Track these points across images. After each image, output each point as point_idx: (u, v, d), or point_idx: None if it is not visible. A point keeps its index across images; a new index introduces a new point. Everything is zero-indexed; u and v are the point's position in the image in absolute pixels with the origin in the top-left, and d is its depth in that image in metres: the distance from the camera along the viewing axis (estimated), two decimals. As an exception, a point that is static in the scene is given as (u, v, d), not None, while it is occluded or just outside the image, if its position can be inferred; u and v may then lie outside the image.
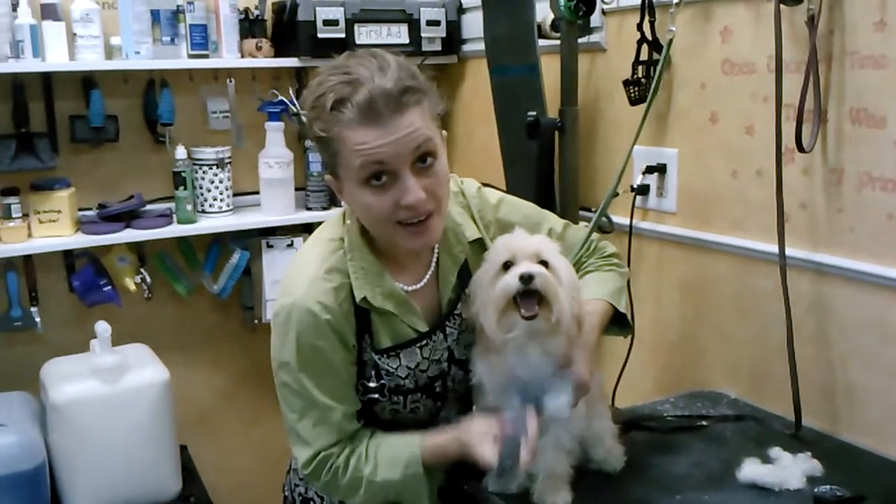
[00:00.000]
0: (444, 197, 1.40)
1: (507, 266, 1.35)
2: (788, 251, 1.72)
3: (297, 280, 1.42)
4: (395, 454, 1.43)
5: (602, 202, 1.88)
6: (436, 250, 1.52)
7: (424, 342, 1.48)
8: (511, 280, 1.32)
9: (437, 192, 1.36)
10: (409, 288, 1.48)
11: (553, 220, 1.66)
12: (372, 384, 1.46)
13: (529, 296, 1.32)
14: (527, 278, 1.31)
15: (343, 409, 1.43)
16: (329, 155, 1.36)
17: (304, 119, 1.39)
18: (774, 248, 1.73)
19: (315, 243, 1.48)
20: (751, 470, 1.52)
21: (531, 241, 1.38)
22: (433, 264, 1.51)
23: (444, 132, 1.39)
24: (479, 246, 1.54)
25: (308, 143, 2.79)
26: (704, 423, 1.78)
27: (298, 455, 1.46)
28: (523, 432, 1.29)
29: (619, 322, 1.62)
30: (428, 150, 1.33)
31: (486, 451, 1.32)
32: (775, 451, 1.58)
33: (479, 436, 1.35)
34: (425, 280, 1.50)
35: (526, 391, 1.35)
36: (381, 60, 1.32)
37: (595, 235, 1.70)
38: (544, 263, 1.34)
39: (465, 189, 1.59)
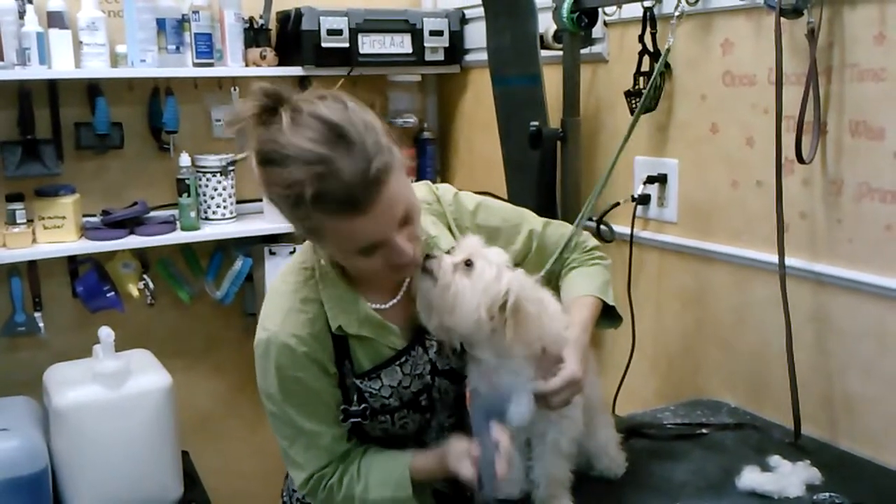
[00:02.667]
0: (422, 228, 1.41)
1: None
2: (788, 261, 1.74)
3: (273, 313, 1.43)
4: (385, 474, 1.44)
5: (586, 203, 1.86)
6: None
7: (404, 359, 1.47)
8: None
9: (417, 234, 1.36)
10: (385, 306, 1.47)
11: (533, 220, 1.64)
12: (355, 408, 1.45)
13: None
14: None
15: (332, 433, 1.45)
16: (312, 235, 1.35)
17: (273, 201, 1.31)
18: (774, 258, 1.75)
19: (288, 273, 1.47)
20: (750, 478, 1.53)
21: (479, 244, 1.38)
22: (406, 280, 1.49)
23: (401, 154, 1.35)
24: None
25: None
26: (704, 431, 1.79)
27: (294, 477, 1.49)
28: (494, 447, 1.30)
29: (607, 314, 1.61)
30: (409, 213, 1.31)
31: (465, 470, 1.33)
32: (775, 460, 1.59)
33: (457, 456, 1.36)
34: (400, 295, 1.49)
35: (489, 406, 1.36)
36: (341, 133, 1.22)
37: (574, 230, 1.67)
38: (469, 263, 1.35)
39: (441, 196, 1.56)
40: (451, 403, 1.54)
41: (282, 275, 1.48)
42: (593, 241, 1.70)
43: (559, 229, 1.66)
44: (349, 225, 1.25)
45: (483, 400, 1.37)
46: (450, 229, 1.54)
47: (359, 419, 1.46)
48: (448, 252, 1.40)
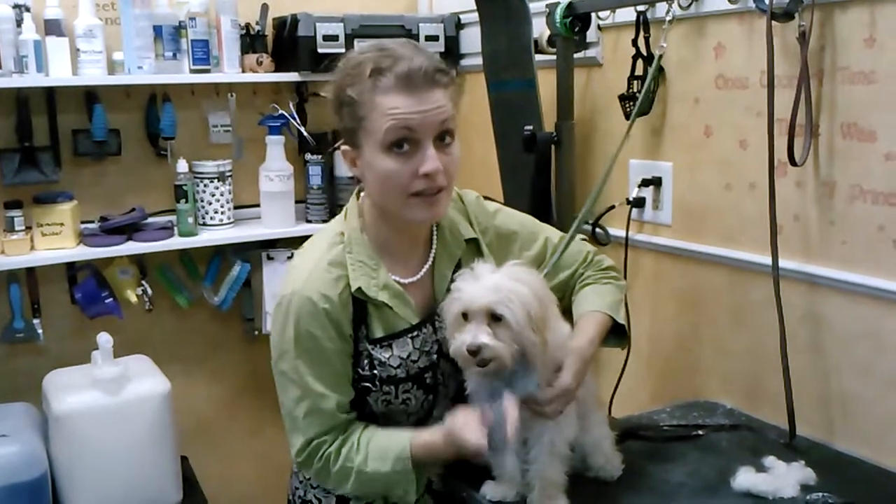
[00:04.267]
0: (454, 177, 1.48)
1: (464, 316, 1.38)
2: (782, 263, 1.75)
3: (300, 271, 1.49)
4: (385, 447, 1.46)
5: (583, 207, 1.87)
6: (433, 245, 1.57)
7: (415, 333, 1.52)
8: (460, 347, 1.36)
9: (450, 169, 1.44)
10: (405, 281, 1.53)
11: (550, 232, 1.71)
12: (365, 372, 1.50)
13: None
14: (474, 351, 1.35)
15: (336, 398, 1.47)
16: (354, 119, 1.42)
17: (332, 83, 1.46)
18: (768, 260, 1.76)
19: (320, 237, 1.55)
20: (745, 478, 1.54)
21: (484, 291, 1.36)
22: (430, 259, 1.57)
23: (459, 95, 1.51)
24: (475, 246, 1.60)
25: (309, 150, 2.81)
26: (700, 432, 1.80)
27: (293, 442, 1.51)
28: (501, 412, 1.34)
29: (616, 333, 1.64)
30: (450, 127, 1.42)
31: (472, 436, 1.35)
32: (770, 460, 1.60)
33: (463, 424, 1.38)
34: (421, 273, 1.55)
35: (494, 390, 1.40)
36: (411, 42, 1.44)
37: (593, 248, 1.73)
38: (497, 317, 1.35)
39: (463, 196, 1.65)
40: (455, 396, 1.57)
41: (313, 239, 1.56)
42: (609, 261, 1.73)
43: (575, 245, 1.70)
44: (395, 100, 1.37)
45: (491, 387, 1.40)
46: (470, 223, 1.61)
47: (367, 384, 1.49)
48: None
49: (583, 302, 1.63)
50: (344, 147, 1.48)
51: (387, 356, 1.50)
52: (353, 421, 1.51)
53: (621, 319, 1.62)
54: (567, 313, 1.62)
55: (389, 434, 1.49)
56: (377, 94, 1.38)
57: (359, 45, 1.47)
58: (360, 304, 1.48)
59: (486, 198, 1.70)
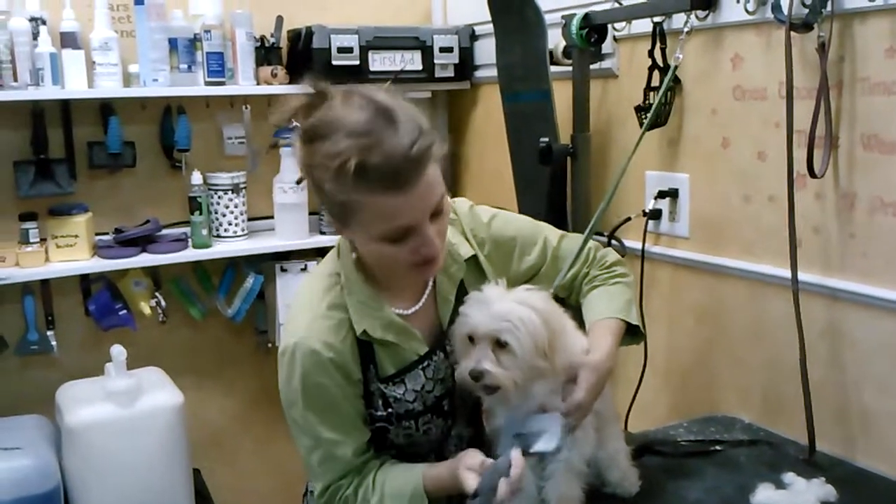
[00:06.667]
0: (446, 236, 1.43)
1: (471, 339, 1.37)
2: (801, 276, 1.73)
3: (300, 319, 1.44)
4: (401, 488, 1.44)
5: (595, 214, 1.85)
6: None
7: (426, 363, 1.49)
8: (464, 372, 1.36)
9: (444, 230, 1.39)
10: (408, 311, 1.49)
11: (549, 233, 1.65)
12: (380, 413, 1.46)
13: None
14: (476, 376, 1.34)
15: (351, 443, 1.45)
16: (344, 214, 1.33)
17: (313, 178, 1.33)
18: (787, 273, 1.74)
19: (314, 279, 1.49)
20: (765, 495, 1.52)
21: (490, 317, 1.35)
22: (430, 285, 1.52)
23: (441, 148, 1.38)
24: (475, 263, 1.56)
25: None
26: (718, 447, 1.78)
27: (313, 486, 1.50)
28: (505, 469, 1.30)
29: (630, 331, 1.61)
30: (441, 205, 1.34)
31: (468, 482, 1.33)
32: (789, 477, 1.58)
33: (467, 467, 1.36)
34: (423, 301, 1.51)
35: (521, 433, 1.37)
36: (389, 113, 1.27)
37: (592, 244, 1.67)
38: (503, 344, 1.34)
39: (456, 208, 1.58)
40: (469, 414, 1.55)
41: (307, 282, 1.51)
42: (614, 256, 1.69)
43: (575, 242, 1.66)
44: (386, 202, 1.27)
45: (519, 426, 1.38)
46: (466, 238, 1.56)
47: (384, 423, 1.47)
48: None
49: (594, 307, 1.59)
50: (335, 225, 1.40)
51: (401, 392, 1.46)
52: (368, 461, 1.48)
53: (634, 321, 1.58)
54: (575, 310, 1.59)
55: (403, 471, 1.46)
56: (365, 195, 1.27)
57: (329, 108, 1.29)
58: (366, 345, 1.44)
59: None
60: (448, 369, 1.51)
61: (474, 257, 1.56)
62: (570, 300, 1.66)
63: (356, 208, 1.30)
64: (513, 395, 1.37)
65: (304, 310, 1.45)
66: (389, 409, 1.47)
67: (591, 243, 1.67)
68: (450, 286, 1.52)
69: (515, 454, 1.32)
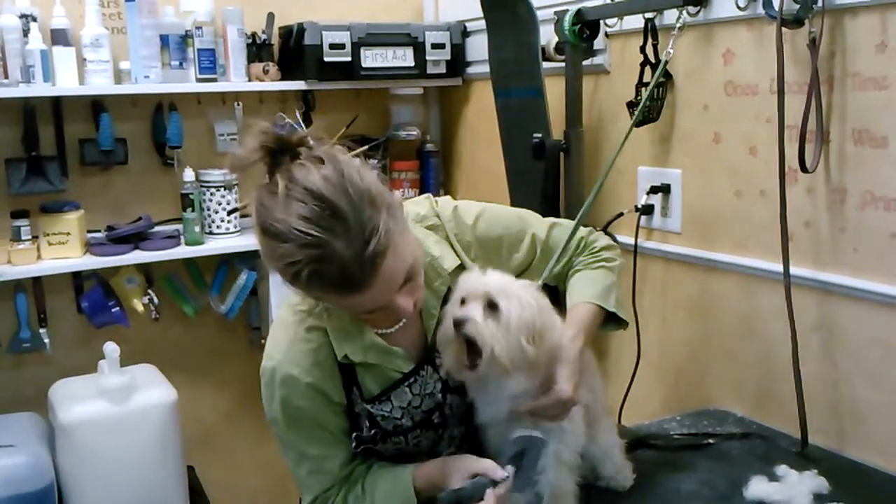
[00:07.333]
0: (422, 285, 1.39)
1: (463, 302, 1.37)
2: (793, 270, 1.74)
3: (279, 342, 1.43)
4: (390, 492, 1.43)
5: (582, 208, 1.83)
6: None
7: (413, 379, 1.46)
8: (447, 324, 1.35)
9: (419, 286, 1.36)
10: (391, 329, 1.45)
11: (537, 225, 1.60)
12: (366, 435, 1.45)
13: (471, 344, 1.34)
14: (457, 323, 1.33)
15: (336, 457, 1.45)
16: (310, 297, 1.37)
17: (270, 267, 1.28)
18: (779, 267, 1.75)
19: (294, 302, 1.46)
20: (758, 488, 1.53)
21: (485, 281, 1.36)
22: None
23: (399, 196, 1.34)
24: (461, 270, 1.48)
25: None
26: (711, 441, 1.79)
27: (303, 496, 1.50)
28: (490, 482, 1.31)
29: (616, 317, 1.58)
30: (411, 272, 1.30)
31: (455, 484, 1.34)
32: (782, 469, 1.59)
33: (457, 470, 1.36)
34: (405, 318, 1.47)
35: (516, 448, 1.36)
36: (336, 212, 1.19)
37: (585, 229, 1.64)
38: (494, 305, 1.34)
39: (440, 212, 1.53)
40: (461, 415, 1.53)
41: (288, 304, 1.48)
42: (604, 240, 1.65)
43: (565, 231, 1.61)
44: (344, 300, 1.28)
45: (514, 442, 1.36)
46: (451, 245, 1.52)
47: (370, 444, 1.46)
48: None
49: (572, 292, 1.56)
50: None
51: (387, 409, 1.44)
52: (355, 469, 1.47)
53: (612, 307, 1.54)
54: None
55: (392, 475, 1.44)
56: (324, 294, 1.28)
57: (275, 204, 1.22)
58: (348, 368, 1.42)
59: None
60: (437, 383, 1.48)
61: (461, 266, 1.50)
62: (560, 288, 1.64)
63: (319, 299, 1.36)
64: (490, 374, 1.35)
65: (284, 332, 1.44)
66: (375, 430, 1.45)
67: (583, 230, 1.63)
68: (434, 300, 1.47)
69: (506, 473, 1.32)
